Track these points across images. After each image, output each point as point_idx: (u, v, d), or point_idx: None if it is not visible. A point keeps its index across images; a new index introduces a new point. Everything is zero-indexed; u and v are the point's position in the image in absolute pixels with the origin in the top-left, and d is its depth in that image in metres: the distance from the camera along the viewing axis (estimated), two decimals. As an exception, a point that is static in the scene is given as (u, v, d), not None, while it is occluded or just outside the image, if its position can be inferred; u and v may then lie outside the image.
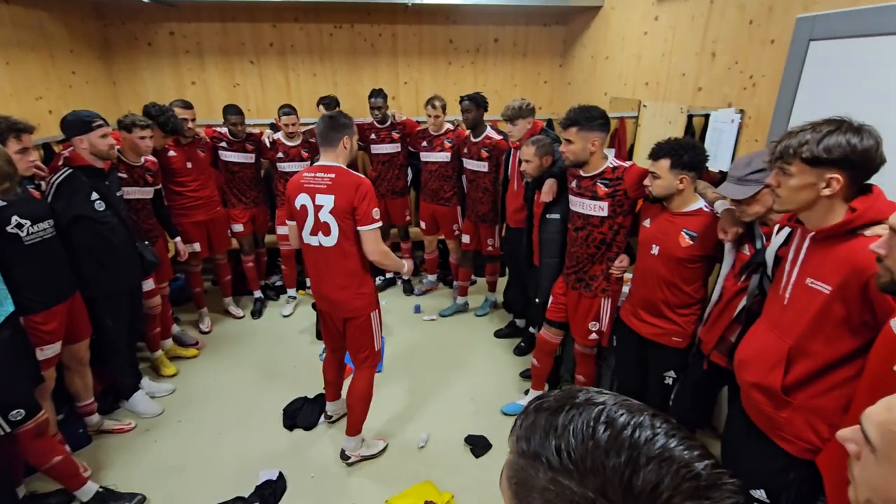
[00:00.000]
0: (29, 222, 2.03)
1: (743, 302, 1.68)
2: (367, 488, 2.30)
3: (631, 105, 3.30)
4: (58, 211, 2.23)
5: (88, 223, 2.35)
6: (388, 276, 4.34)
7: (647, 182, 1.99)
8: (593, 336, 2.39)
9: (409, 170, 4.13)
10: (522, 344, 3.36)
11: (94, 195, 2.37)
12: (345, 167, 2.10)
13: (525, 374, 3.05)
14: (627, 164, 2.19)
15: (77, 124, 2.31)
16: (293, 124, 3.54)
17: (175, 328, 3.42)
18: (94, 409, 2.60)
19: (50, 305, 2.15)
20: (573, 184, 2.29)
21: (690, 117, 2.64)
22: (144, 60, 3.98)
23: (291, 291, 3.98)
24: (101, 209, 2.39)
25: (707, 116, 2.49)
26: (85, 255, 2.37)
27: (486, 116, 3.48)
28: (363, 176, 2.10)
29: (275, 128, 3.80)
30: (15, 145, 1.98)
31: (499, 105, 4.52)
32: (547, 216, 2.52)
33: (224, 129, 3.48)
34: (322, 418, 2.75)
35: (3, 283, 1.90)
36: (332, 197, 2.03)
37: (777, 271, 1.48)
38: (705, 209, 1.91)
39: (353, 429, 2.38)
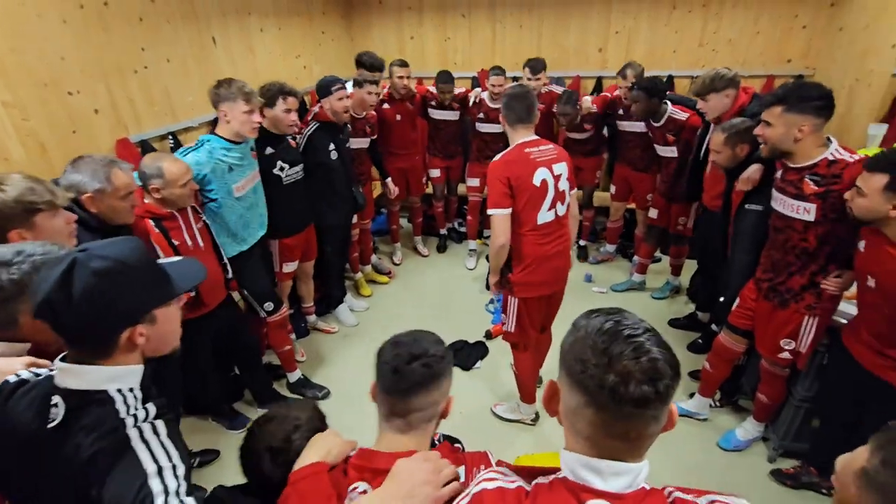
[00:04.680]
0: (288, 166, 2.63)
1: None
2: (505, 439, 2.50)
3: (931, 64, 2.43)
4: (307, 157, 2.79)
5: (324, 169, 2.89)
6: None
7: (847, 196, 1.55)
8: (785, 355, 2.01)
9: (606, 128, 3.86)
10: (700, 341, 3.01)
11: (331, 146, 2.89)
12: None
13: (695, 375, 2.75)
14: (855, 157, 1.68)
15: (322, 88, 2.81)
16: (500, 85, 3.57)
17: (374, 257, 4.06)
18: (313, 311, 3.35)
19: (297, 231, 2.79)
20: (778, 174, 1.88)
21: None
22: (376, 18, 4.49)
23: (472, 244, 4.22)
24: (334, 158, 2.91)
25: None
26: (317, 195, 2.93)
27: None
28: None
29: (476, 83, 3.95)
30: (282, 105, 2.45)
31: (729, 58, 3.83)
32: (746, 206, 2.13)
33: (434, 90, 3.74)
34: (479, 363, 3.02)
35: (266, 212, 2.55)
36: (565, 163, 2.07)
37: None
38: None
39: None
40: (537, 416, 2.56)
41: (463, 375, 2.95)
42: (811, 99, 1.66)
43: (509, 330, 2.30)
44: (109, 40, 2.29)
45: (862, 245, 1.65)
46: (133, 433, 0.84)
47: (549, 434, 2.51)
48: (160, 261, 0.98)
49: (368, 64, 3.44)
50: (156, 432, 0.86)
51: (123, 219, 1.75)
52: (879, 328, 1.66)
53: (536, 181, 1.97)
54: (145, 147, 2.47)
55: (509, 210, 1.97)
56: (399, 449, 0.94)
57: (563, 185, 2.06)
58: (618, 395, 0.62)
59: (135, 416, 0.86)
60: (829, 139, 1.75)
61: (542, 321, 2.36)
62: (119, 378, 0.87)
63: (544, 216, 2.03)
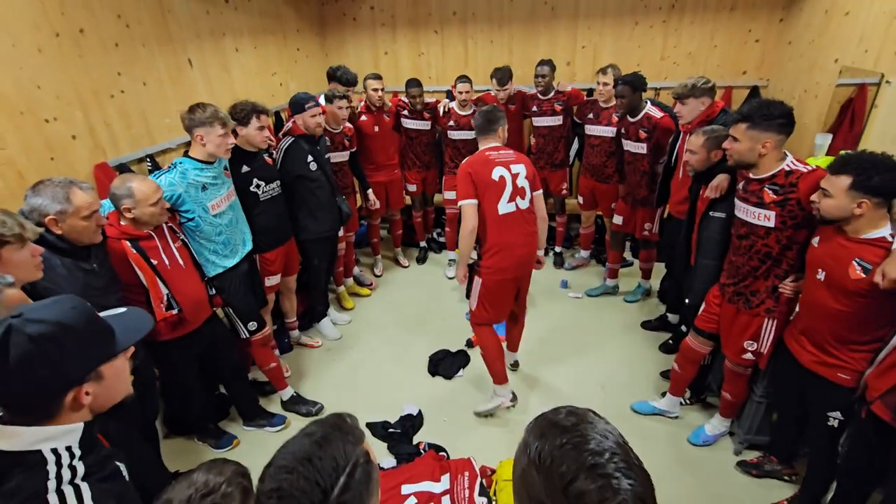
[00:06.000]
0: (264, 183, 2.68)
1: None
2: (487, 443, 2.58)
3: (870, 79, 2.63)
4: (284, 171, 2.84)
5: (305, 181, 2.94)
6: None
7: (814, 198, 1.69)
8: (748, 356, 2.16)
9: (577, 140, 4.02)
10: (671, 341, 3.15)
11: (310, 158, 2.95)
12: None
13: (666, 375, 2.89)
14: (808, 168, 1.84)
15: (296, 106, 2.87)
16: (466, 92, 3.71)
17: (356, 270, 4.10)
18: (296, 326, 3.38)
19: (276, 246, 2.83)
20: (740, 185, 2.03)
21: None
22: (349, 34, 4.56)
23: (452, 254, 4.30)
24: (314, 169, 2.96)
25: None
26: (301, 207, 2.99)
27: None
28: None
29: (451, 96, 4.05)
30: (256, 123, 2.53)
31: (690, 70, 4.03)
32: (711, 213, 2.27)
33: (407, 100, 3.85)
34: (461, 372, 3.10)
35: (249, 228, 2.59)
36: (523, 165, 2.41)
37: None
38: (890, 238, 1.57)
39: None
40: (515, 397, 2.70)
41: (445, 384, 3.02)
42: (773, 117, 1.80)
43: (472, 308, 2.59)
44: (86, 66, 2.31)
45: (816, 240, 1.79)
46: (53, 499, 0.81)
47: (530, 438, 2.60)
48: (104, 314, 0.98)
49: (344, 80, 3.52)
50: (78, 496, 0.83)
51: (90, 238, 1.74)
52: (815, 324, 1.82)
53: (495, 176, 2.32)
54: (124, 170, 2.47)
55: (475, 200, 2.33)
56: None
57: (522, 182, 2.37)
58: None
59: (60, 477, 0.83)
60: (785, 153, 1.91)
61: (510, 306, 2.63)
62: (57, 437, 0.85)
63: (505, 207, 2.35)
